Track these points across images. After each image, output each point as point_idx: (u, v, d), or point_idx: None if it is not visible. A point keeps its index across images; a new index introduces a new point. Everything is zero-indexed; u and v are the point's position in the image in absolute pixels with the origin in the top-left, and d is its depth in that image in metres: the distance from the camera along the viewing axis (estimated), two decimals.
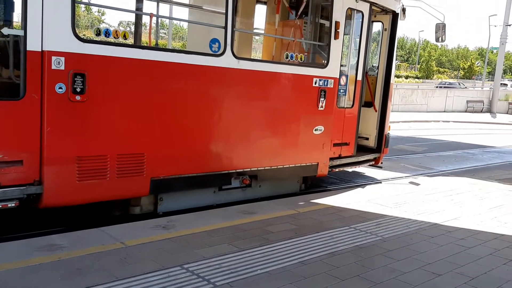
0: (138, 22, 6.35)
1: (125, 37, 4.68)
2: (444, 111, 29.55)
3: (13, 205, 4.08)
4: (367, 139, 7.98)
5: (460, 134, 18.16)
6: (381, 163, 8.12)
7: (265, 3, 7.64)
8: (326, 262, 3.94)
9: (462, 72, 78.55)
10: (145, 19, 6.88)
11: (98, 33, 4.53)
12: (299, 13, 6.87)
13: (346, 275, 3.70)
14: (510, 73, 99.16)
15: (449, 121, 23.71)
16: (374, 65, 8.13)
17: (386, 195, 6.58)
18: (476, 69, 74.84)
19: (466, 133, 18.82)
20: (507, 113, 34.95)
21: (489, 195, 7.02)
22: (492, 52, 60.39)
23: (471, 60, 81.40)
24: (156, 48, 5.16)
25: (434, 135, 16.76)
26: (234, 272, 3.58)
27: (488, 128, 22.44)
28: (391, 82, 7.96)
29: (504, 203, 6.54)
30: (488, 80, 54.44)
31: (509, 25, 33.31)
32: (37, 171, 4.19)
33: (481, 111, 32.62)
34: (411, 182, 7.76)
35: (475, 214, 5.85)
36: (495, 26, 41.16)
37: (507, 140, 17.24)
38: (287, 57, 6.28)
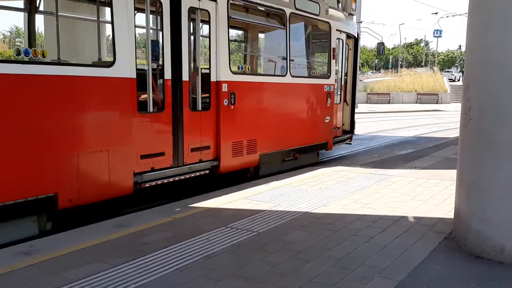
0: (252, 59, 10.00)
1: (248, 69, 8.49)
2: None
3: (207, 172, 7.13)
4: (343, 124, 11.50)
5: None
6: (351, 141, 11.90)
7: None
8: (203, 265, 3.93)
9: None
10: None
11: (239, 68, 8.07)
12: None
13: (222, 275, 3.73)
14: (367, 66, 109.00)
15: None
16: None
17: (261, 191, 6.80)
18: None
19: None
20: (366, 103, 38.44)
21: (352, 180, 7.63)
22: None
23: None
24: (262, 74, 9.25)
25: None
26: None
27: None
28: (356, 84, 12.27)
29: (365, 186, 7.16)
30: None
31: (361, 22, 36.60)
32: (215, 152, 7.20)
33: None
34: (284, 176, 8.12)
35: (341, 199, 6.31)
36: None
37: (367, 127, 18.93)
38: (312, 73, 10.03)
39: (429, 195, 6.55)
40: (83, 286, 3.49)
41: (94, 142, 5.41)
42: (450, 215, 5.13)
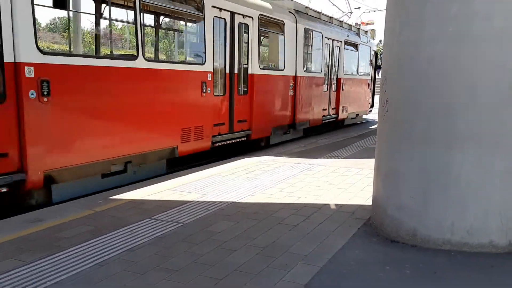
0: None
1: (348, 72, 16.14)
2: None
3: (334, 119, 15.25)
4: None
5: None
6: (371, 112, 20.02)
7: None
8: (125, 259, 3.82)
9: None
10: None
11: (345, 71, 15.79)
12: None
13: (145, 268, 3.65)
14: None
15: None
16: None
17: (187, 182, 6.72)
18: None
19: None
20: None
21: (278, 169, 7.77)
22: None
23: None
24: (350, 73, 16.16)
25: None
26: None
27: None
28: (376, 78, 20.00)
29: (290, 175, 7.31)
30: None
31: None
32: (337, 111, 15.26)
33: None
34: (211, 167, 8.08)
35: (267, 188, 6.40)
36: None
37: None
38: (364, 72, 17.69)
39: (350, 183, 6.82)
40: None
41: (317, 102, 13.42)
42: (369, 202, 5.37)
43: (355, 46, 16.56)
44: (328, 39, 13.96)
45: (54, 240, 4.20)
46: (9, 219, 4.81)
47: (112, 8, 6.99)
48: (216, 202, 5.69)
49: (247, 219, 5.01)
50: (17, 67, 5.12)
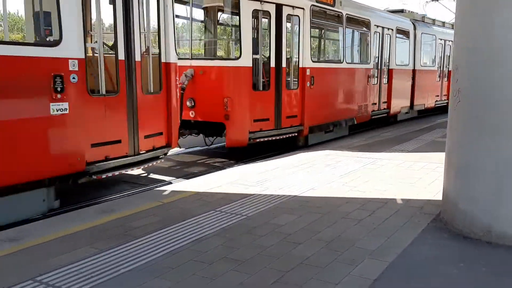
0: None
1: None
2: None
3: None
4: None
5: None
6: None
7: None
8: (193, 249, 3.91)
9: None
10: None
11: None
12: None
13: (213, 258, 3.71)
14: None
15: None
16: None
17: (248, 175, 6.77)
18: None
19: None
20: None
21: (340, 163, 7.65)
22: None
23: None
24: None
25: None
26: (96, 276, 3.36)
27: None
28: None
29: (352, 169, 7.18)
30: None
31: None
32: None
33: None
34: (271, 161, 8.10)
35: (329, 182, 6.32)
36: None
37: None
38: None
39: (417, 177, 6.59)
40: (70, 272, 3.43)
41: (431, 90, 16.69)
42: (438, 196, 5.17)
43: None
44: (441, 39, 17.25)
45: (125, 229, 4.37)
46: (83, 209, 5.08)
47: (328, 32, 12.56)
48: (277, 195, 5.69)
49: (310, 213, 4.97)
50: (303, 70, 9.74)
